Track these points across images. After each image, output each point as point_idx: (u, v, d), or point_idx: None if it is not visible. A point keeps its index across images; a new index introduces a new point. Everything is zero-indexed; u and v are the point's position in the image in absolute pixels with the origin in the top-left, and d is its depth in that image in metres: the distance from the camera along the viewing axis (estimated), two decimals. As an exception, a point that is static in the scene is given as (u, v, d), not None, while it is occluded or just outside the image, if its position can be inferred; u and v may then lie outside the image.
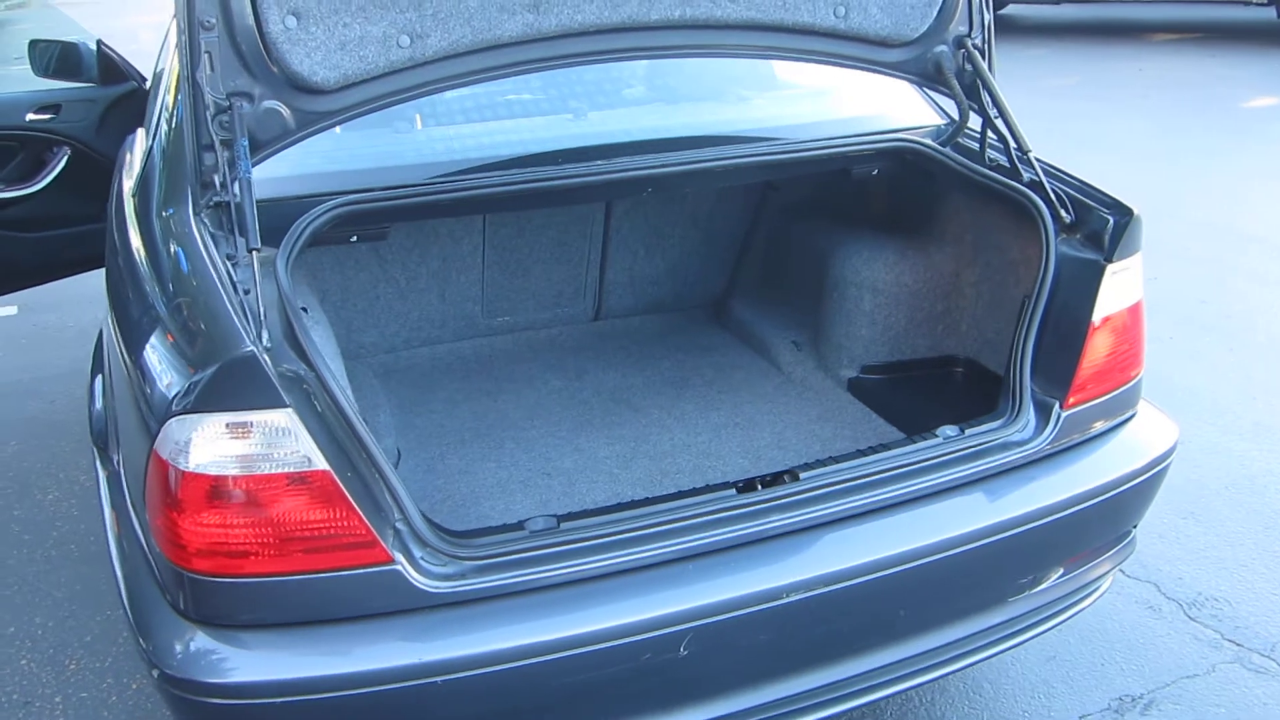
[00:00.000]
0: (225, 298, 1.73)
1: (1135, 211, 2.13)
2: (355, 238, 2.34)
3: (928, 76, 2.46)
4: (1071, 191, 2.26)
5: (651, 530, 1.84)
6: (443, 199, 2.18)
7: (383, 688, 1.67)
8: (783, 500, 1.92)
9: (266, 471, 1.63)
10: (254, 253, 1.78)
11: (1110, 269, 2.14)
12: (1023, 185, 2.30)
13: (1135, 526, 2.40)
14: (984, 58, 2.44)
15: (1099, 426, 2.24)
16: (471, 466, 2.59)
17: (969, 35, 2.43)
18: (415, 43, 2.01)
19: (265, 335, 1.69)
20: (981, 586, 2.14)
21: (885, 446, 2.10)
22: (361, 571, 1.69)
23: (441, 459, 2.63)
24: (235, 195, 1.85)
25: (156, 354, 1.79)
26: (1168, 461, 2.29)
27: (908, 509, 2.00)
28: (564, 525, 1.84)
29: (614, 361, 3.17)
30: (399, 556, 1.71)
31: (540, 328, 3.33)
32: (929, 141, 2.49)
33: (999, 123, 2.37)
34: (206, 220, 2.02)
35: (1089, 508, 2.16)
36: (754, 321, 3.25)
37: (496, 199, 2.26)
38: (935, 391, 2.77)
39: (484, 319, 3.23)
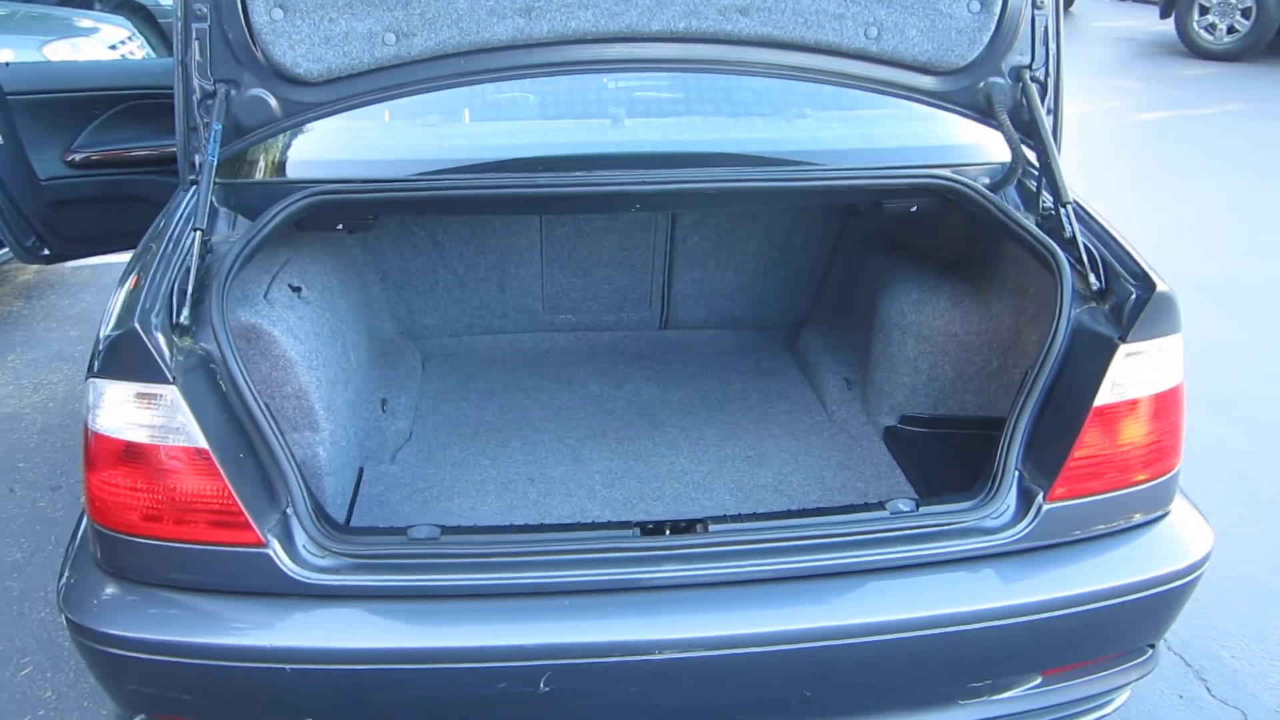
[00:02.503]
0: (157, 271, 1.83)
1: (1160, 287, 1.82)
2: (340, 226, 2.41)
3: (979, 110, 2.21)
4: (1109, 256, 1.97)
5: (535, 558, 1.79)
6: (419, 197, 2.19)
7: (227, 663, 1.72)
8: (682, 550, 1.81)
9: (151, 442, 1.72)
10: (197, 231, 1.87)
11: (1125, 349, 1.84)
12: (1050, 240, 2.02)
13: (1153, 645, 2.08)
14: (1045, 93, 2.17)
15: (1100, 528, 1.94)
16: (468, 460, 2.61)
17: (1029, 67, 2.16)
18: (401, 41, 2.04)
19: (185, 312, 1.77)
20: (916, 681, 1.93)
21: (823, 511, 1.93)
22: (232, 549, 1.74)
23: (444, 449, 2.67)
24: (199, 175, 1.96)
25: (105, 314, 1.92)
26: (1187, 579, 1.96)
27: (828, 583, 1.83)
28: (446, 537, 1.82)
29: (663, 373, 3.09)
30: (274, 542, 1.75)
31: (605, 330, 3.30)
32: (968, 180, 2.24)
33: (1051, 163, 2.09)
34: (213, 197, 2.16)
35: (1069, 617, 1.89)
36: (817, 352, 3.07)
37: (471, 201, 2.25)
38: (974, 456, 2.50)
39: (545, 314, 3.24)
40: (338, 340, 2.43)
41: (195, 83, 2.00)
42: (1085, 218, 2.08)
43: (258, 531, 1.74)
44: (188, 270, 1.83)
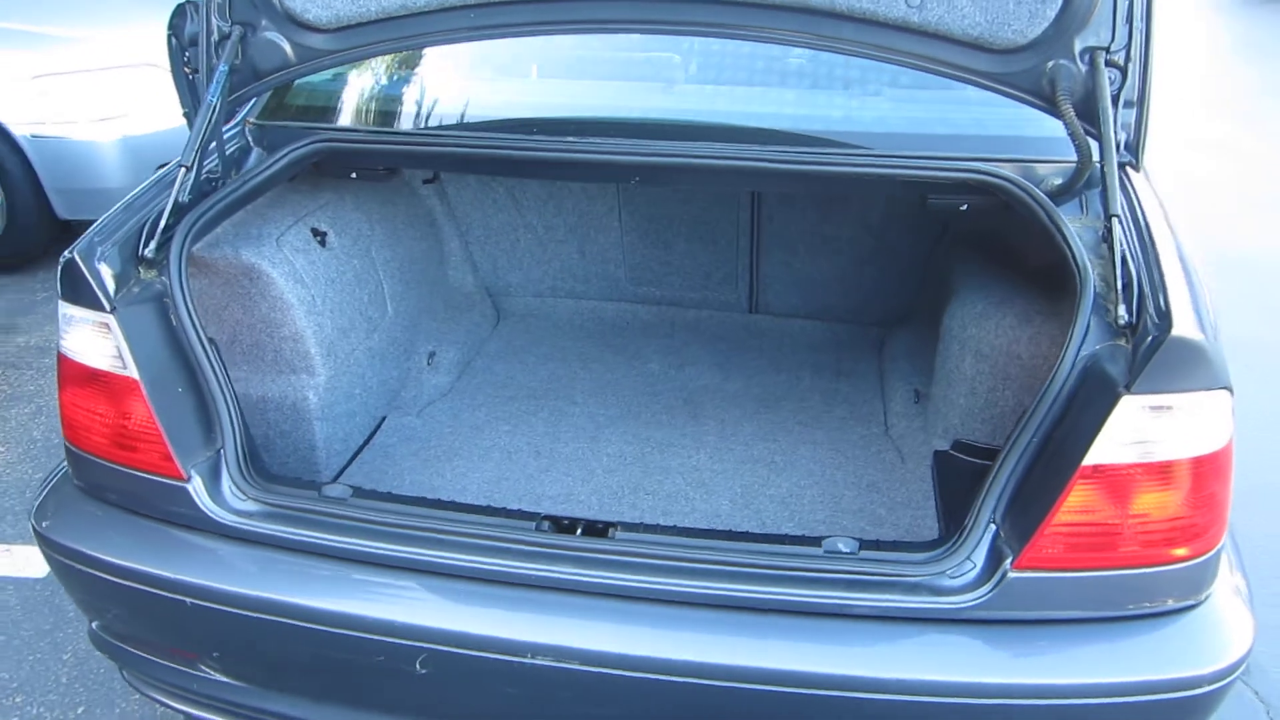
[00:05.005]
0: (137, 202, 1.90)
1: (1178, 330, 1.47)
2: (355, 175, 2.40)
3: (1043, 98, 1.87)
4: (1146, 284, 1.62)
5: (432, 535, 1.73)
6: (418, 151, 2.15)
7: (140, 586, 1.79)
8: (579, 553, 1.68)
9: (96, 366, 1.80)
10: (182, 168, 1.92)
11: (1128, 401, 1.51)
12: (1085, 258, 1.69)
13: None
14: (1124, 81, 1.80)
15: (1089, 611, 1.62)
16: (488, 425, 2.58)
17: (1106, 49, 1.79)
18: None
19: (151, 246, 1.83)
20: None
21: (752, 537, 1.73)
22: (157, 479, 1.80)
23: (473, 410, 2.65)
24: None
25: None
26: (1199, 690, 1.59)
27: (734, 616, 1.64)
28: (354, 499, 1.79)
29: (731, 360, 2.91)
30: (196, 479, 1.79)
31: (690, 307, 3.15)
32: (1013, 176, 1.91)
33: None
34: (249, 136, 2.24)
35: (1024, 713, 1.59)
36: (896, 357, 2.78)
37: (468, 160, 2.17)
38: None
39: (629, 285, 3.14)
40: (363, 288, 2.45)
41: (214, 23, 2.04)
42: (1141, 234, 1.71)
43: (179, 466, 1.78)
44: (167, 203, 1.89)
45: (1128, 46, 1.78)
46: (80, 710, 2.62)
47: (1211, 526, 1.62)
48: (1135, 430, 1.54)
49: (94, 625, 2.02)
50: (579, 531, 1.74)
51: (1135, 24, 1.77)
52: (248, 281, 2.14)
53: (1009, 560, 1.59)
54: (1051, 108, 1.85)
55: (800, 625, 1.63)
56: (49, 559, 1.91)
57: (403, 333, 2.66)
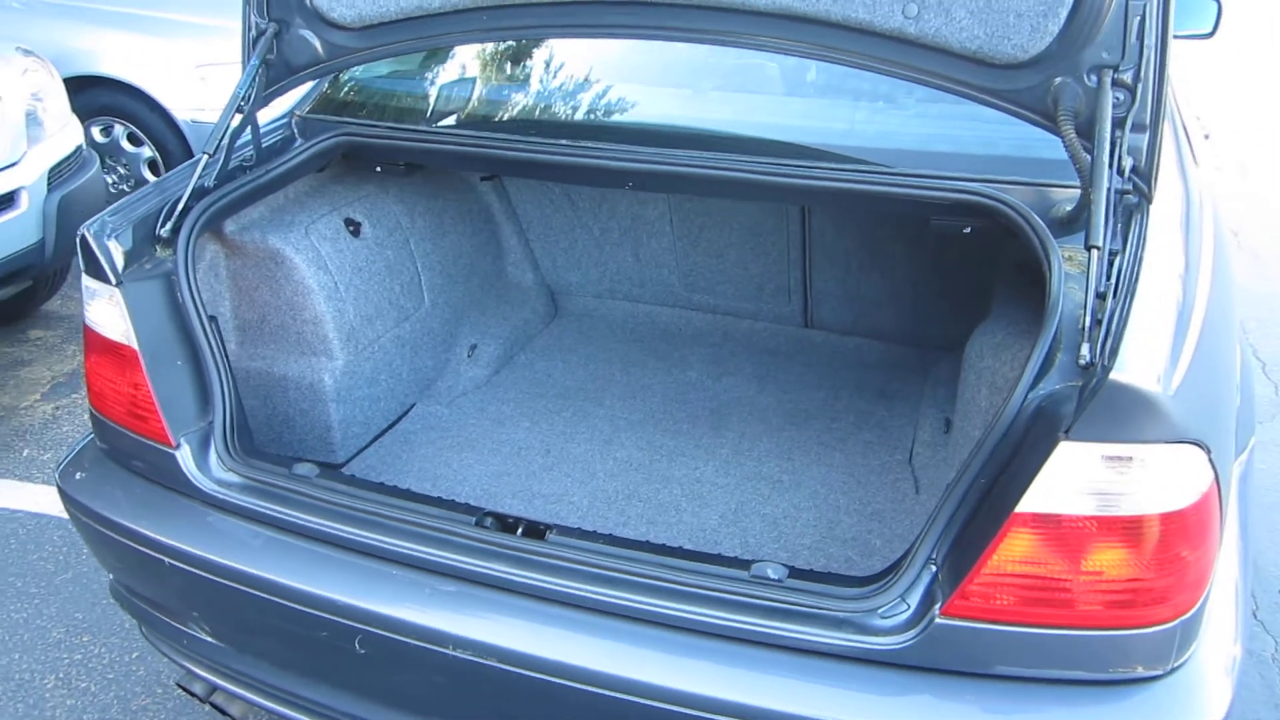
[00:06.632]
0: (166, 182, 2.04)
1: (1119, 376, 1.34)
2: (379, 169, 2.47)
3: (1048, 116, 1.75)
4: (1113, 322, 1.49)
5: (379, 519, 1.78)
6: (435, 149, 2.20)
7: (129, 543, 1.92)
8: (510, 551, 1.69)
9: (108, 337, 1.94)
10: (204, 155, 2.05)
11: (1068, 446, 1.40)
12: (1057, 289, 1.57)
13: None
14: (1134, 101, 1.66)
15: (1028, 669, 1.51)
16: (510, 420, 2.62)
17: (1115, 68, 1.66)
18: None
19: (168, 226, 1.97)
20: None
21: (682, 553, 1.69)
22: (151, 445, 1.93)
23: (501, 404, 2.70)
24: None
25: None
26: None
27: (653, 631, 1.61)
28: (319, 479, 1.87)
29: (774, 374, 2.85)
30: (185, 447, 1.91)
31: (744, 317, 3.11)
32: (1013, 200, 1.78)
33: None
34: (294, 127, 2.36)
35: None
36: (940, 383, 2.65)
37: (491, 160, 2.21)
38: None
39: (684, 291, 3.12)
40: (396, 279, 2.54)
41: (252, 19, 2.17)
42: (1132, 271, 1.58)
43: (170, 434, 1.91)
44: (187, 187, 2.02)
45: (1138, 66, 1.64)
46: (134, 655, 2.83)
47: (1177, 592, 1.47)
48: (1087, 480, 1.43)
49: (111, 579, 2.19)
50: (519, 531, 1.75)
51: (1147, 41, 1.63)
52: (274, 265, 2.26)
53: (938, 605, 1.50)
54: (1054, 128, 1.73)
55: (717, 649, 1.58)
56: (68, 513, 2.08)
57: (441, 324, 2.74)
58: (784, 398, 2.73)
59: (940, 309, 2.85)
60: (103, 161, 5.27)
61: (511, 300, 3.09)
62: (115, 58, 5.14)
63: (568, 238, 3.12)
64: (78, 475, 2.05)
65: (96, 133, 5.30)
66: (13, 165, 3.68)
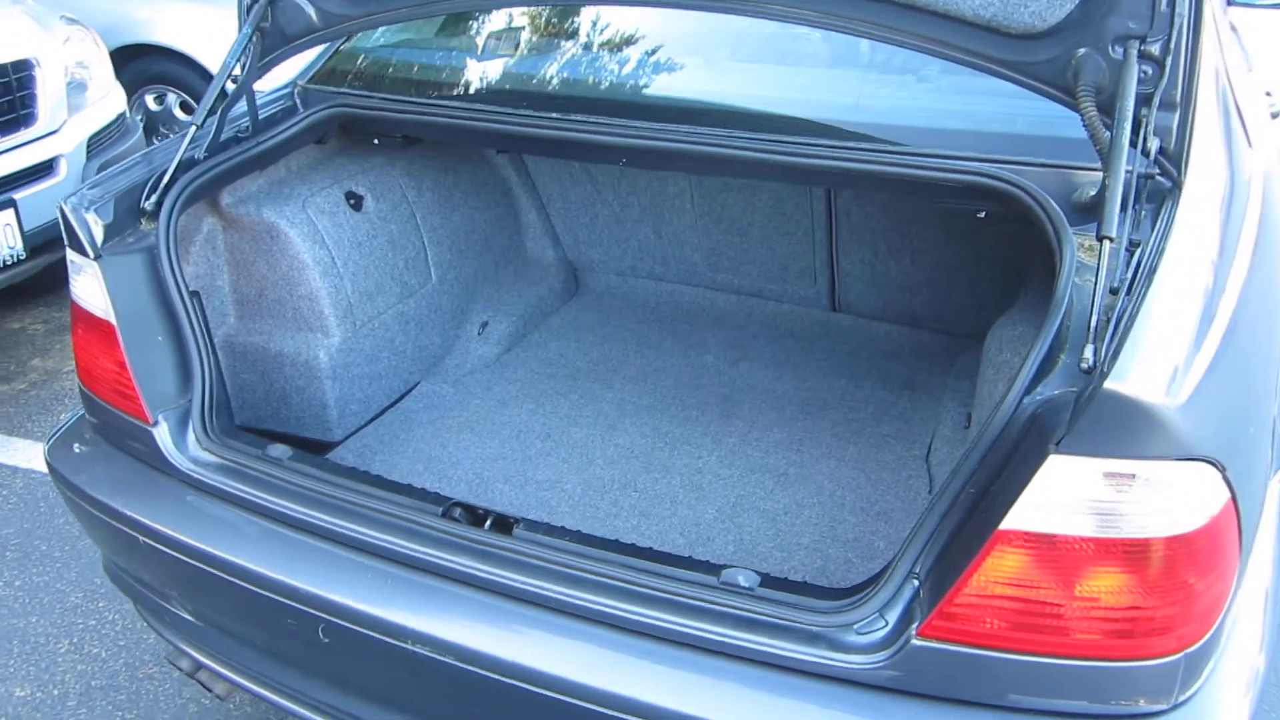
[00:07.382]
0: (153, 154, 2.00)
1: (1113, 385, 1.20)
2: (376, 141, 2.40)
3: (1068, 91, 1.59)
4: (1128, 325, 1.34)
5: (347, 506, 1.72)
6: (427, 122, 2.12)
7: (105, 518, 1.90)
8: (473, 543, 1.62)
9: (89, 311, 1.91)
10: (192, 126, 2.00)
11: (1057, 460, 1.26)
12: (1065, 284, 1.43)
13: None
14: (1163, 76, 1.49)
15: (1012, 697, 1.38)
16: (515, 401, 2.55)
17: (1143, 40, 1.49)
18: None
19: (152, 199, 1.93)
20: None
21: (651, 555, 1.60)
22: (129, 419, 1.90)
23: (508, 383, 2.63)
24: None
25: None
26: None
27: (617, 636, 1.52)
28: (290, 462, 1.81)
29: (794, 360, 2.73)
30: (163, 424, 1.88)
31: (769, 299, 2.98)
32: (1026, 183, 1.63)
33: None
34: (296, 99, 2.31)
35: None
36: (965, 375, 2.50)
37: (487, 134, 2.12)
38: None
39: (707, 271, 3.00)
40: (399, 254, 2.47)
41: None
42: (1150, 265, 1.42)
43: (147, 411, 1.87)
44: (174, 159, 1.97)
45: (1168, 36, 1.48)
46: (145, 624, 2.85)
47: (1182, 623, 1.33)
48: (1085, 498, 1.29)
49: (103, 554, 2.18)
50: (488, 524, 1.68)
51: (1179, 9, 1.46)
52: (269, 239, 2.21)
53: (914, 625, 1.38)
54: (1074, 104, 1.57)
55: (681, 657, 1.49)
56: (57, 488, 2.07)
57: (450, 301, 2.67)
58: (802, 385, 2.61)
59: (977, 295, 2.69)
60: (155, 129, 5.34)
61: (530, 276, 3.01)
62: (169, 27, 5.18)
63: (588, 213, 3.02)
64: (65, 450, 2.04)
65: (150, 101, 5.36)
66: (52, 133, 3.72)
